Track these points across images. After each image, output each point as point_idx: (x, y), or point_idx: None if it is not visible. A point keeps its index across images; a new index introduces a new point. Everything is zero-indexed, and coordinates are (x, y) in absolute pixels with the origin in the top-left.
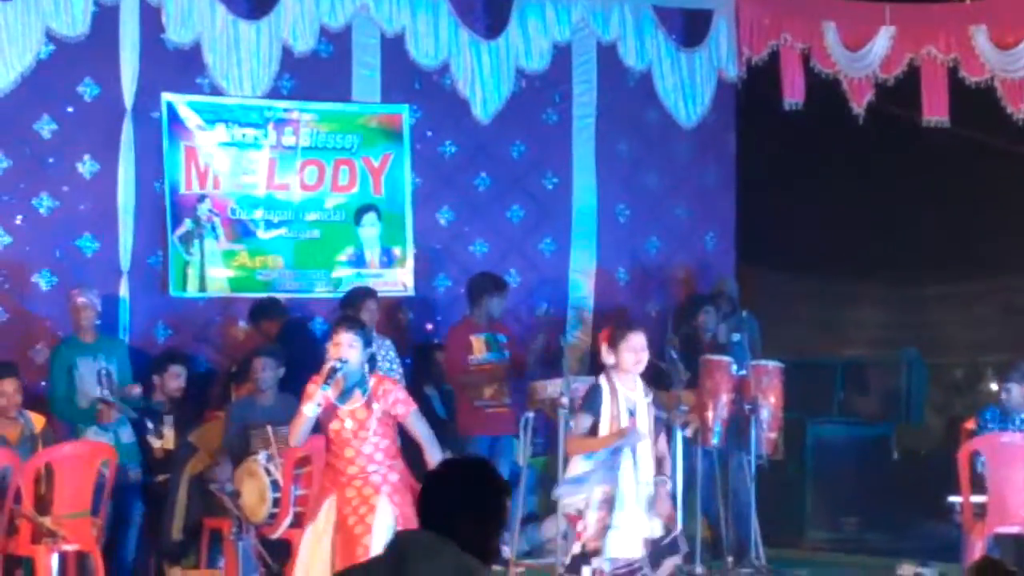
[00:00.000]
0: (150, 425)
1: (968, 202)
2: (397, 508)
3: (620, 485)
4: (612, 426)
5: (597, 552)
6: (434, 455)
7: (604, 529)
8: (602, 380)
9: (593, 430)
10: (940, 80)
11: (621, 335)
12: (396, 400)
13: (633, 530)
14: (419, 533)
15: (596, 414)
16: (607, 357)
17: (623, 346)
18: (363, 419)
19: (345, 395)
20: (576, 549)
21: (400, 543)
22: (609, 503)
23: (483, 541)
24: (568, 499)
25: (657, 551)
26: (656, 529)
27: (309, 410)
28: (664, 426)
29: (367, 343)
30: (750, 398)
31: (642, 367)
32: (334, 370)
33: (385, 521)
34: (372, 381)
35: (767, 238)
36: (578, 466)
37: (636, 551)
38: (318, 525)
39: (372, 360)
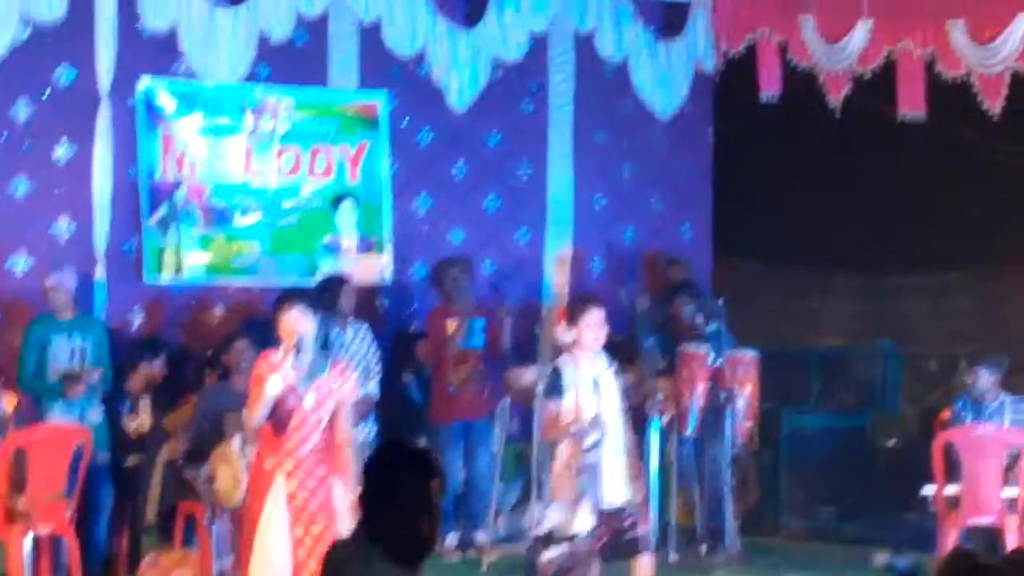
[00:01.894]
0: (126, 406)
1: (943, 195)
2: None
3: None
4: (578, 401)
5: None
6: (348, 454)
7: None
8: (561, 361)
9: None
10: (917, 74)
11: (580, 311)
12: (346, 387)
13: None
14: (351, 541)
15: (560, 396)
16: (565, 335)
17: (582, 322)
18: (324, 396)
19: (308, 376)
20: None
21: (334, 557)
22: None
23: (411, 528)
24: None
25: (616, 545)
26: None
27: (272, 387)
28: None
29: (315, 313)
30: (726, 387)
31: (600, 344)
32: (299, 344)
33: (340, 492)
34: (334, 367)
35: (743, 228)
36: (563, 488)
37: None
38: (268, 511)
39: (326, 343)
